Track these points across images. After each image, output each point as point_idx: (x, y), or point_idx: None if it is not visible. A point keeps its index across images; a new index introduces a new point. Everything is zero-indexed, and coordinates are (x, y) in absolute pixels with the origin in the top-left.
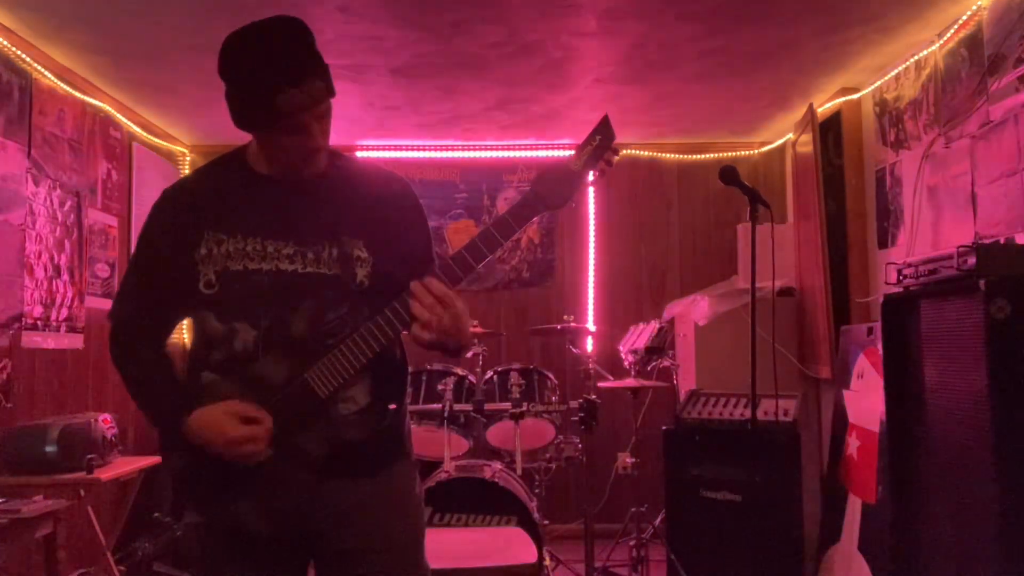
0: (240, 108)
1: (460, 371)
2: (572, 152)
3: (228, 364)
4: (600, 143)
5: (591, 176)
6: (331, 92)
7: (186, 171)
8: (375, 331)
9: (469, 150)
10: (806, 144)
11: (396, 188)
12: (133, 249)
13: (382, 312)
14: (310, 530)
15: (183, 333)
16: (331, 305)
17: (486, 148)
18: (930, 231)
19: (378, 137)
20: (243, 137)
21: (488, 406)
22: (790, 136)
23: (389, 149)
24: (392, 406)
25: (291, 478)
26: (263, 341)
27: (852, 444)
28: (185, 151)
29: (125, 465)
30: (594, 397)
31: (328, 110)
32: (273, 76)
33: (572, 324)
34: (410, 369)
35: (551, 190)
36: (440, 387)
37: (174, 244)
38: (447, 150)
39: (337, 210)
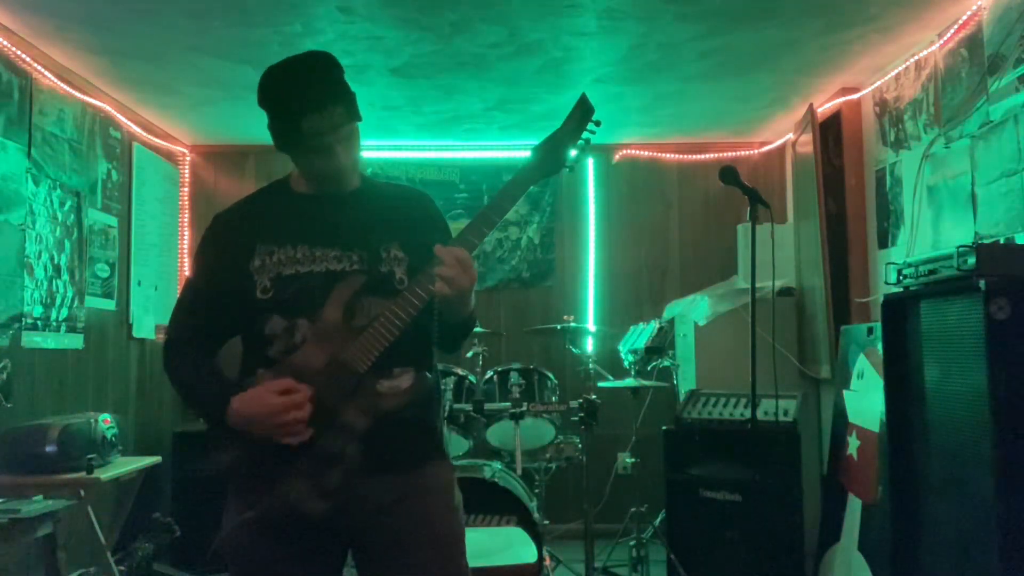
0: (276, 133)
1: (460, 371)
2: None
3: (282, 357)
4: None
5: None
6: (353, 117)
7: (186, 171)
8: (404, 301)
9: (469, 150)
10: (806, 144)
11: (419, 198)
12: (188, 270)
13: (410, 283)
14: (352, 522)
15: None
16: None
17: (486, 148)
18: (930, 231)
19: (378, 137)
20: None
21: (488, 406)
22: (790, 136)
23: (389, 149)
24: (428, 376)
25: (339, 454)
26: (314, 332)
27: (852, 444)
28: (185, 151)
29: (125, 465)
30: (594, 397)
31: (352, 133)
32: (299, 104)
33: (572, 324)
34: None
35: (545, 158)
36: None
37: (228, 260)
38: (447, 150)
39: (373, 219)
